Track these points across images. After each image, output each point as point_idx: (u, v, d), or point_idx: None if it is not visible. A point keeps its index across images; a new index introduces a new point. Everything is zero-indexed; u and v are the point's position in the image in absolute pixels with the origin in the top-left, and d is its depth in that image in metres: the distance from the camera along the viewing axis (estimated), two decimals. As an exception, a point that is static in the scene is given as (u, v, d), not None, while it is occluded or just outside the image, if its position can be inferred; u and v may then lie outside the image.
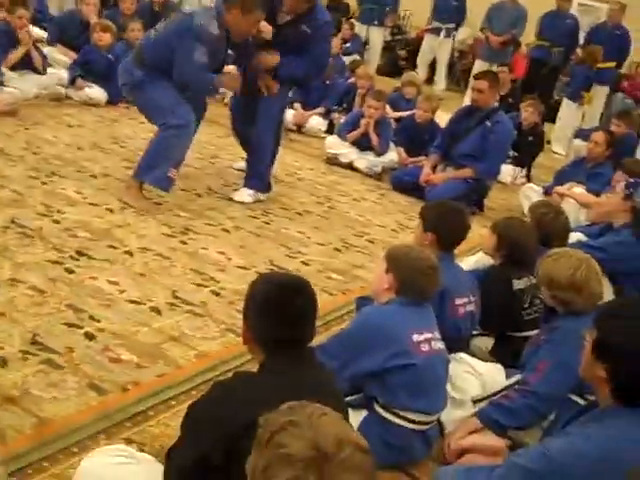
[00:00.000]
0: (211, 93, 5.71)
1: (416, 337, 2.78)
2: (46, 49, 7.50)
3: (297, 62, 5.06)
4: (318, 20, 5.05)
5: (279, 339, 2.11)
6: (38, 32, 7.94)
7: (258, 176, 5.39)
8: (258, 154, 5.38)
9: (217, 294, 3.84)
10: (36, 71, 6.87)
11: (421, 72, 11.51)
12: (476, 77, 6.32)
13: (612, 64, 9.52)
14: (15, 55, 6.69)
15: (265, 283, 2.22)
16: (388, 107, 7.37)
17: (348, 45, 10.87)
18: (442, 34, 11.27)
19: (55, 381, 2.85)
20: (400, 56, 13.08)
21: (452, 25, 11.29)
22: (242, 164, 5.71)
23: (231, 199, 5.27)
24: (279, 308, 2.12)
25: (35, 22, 7.79)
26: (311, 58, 5.08)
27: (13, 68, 6.69)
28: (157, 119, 4.85)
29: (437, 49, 11.51)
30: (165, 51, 4.64)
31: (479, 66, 10.62)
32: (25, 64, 6.81)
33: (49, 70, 7.06)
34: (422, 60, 11.67)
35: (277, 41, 5.01)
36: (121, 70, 4.93)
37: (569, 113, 9.42)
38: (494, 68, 10.36)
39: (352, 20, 12.25)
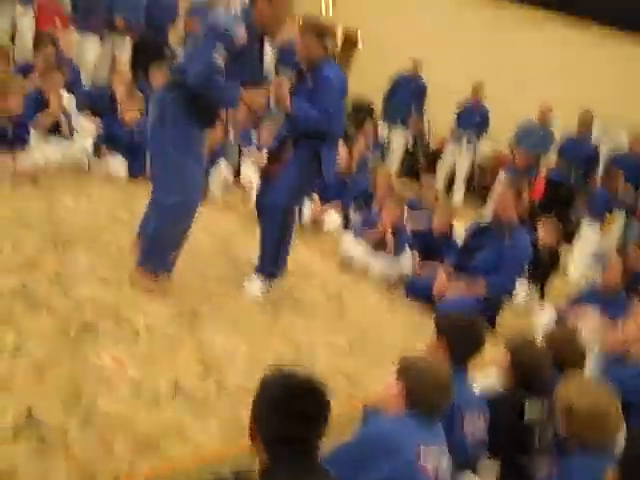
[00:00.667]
0: (229, 105, 5.20)
1: (424, 451, 2.68)
2: (74, 116, 7.58)
3: (309, 108, 4.99)
4: (322, 73, 4.99)
5: (286, 439, 2.02)
6: (68, 98, 8.04)
7: (267, 259, 5.25)
8: (266, 232, 5.24)
9: (220, 386, 3.73)
10: (62, 136, 6.93)
11: (440, 180, 11.61)
12: (500, 190, 6.34)
13: (630, 189, 9.57)
14: (44, 119, 6.75)
15: (276, 380, 2.15)
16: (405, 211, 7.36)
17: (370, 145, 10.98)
18: (464, 144, 11.41)
19: (45, 464, 2.72)
20: (420, 162, 13.21)
21: (474, 136, 11.44)
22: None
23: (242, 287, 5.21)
24: (289, 407, 2.04)
25: (67, 89, 7.88)
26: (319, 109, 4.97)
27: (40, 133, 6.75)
28: (158, 186, 4.64)
29: (458, 158, 11.62)
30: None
31: (503, 178, 10.68)
32: (52, 128, 6.87)
33: (75, 137, 7.11)
34: (442, 168, 11.78)
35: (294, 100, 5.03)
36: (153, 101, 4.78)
37: (588, 235, 9.40)
38: (519, 186, 10.51)
39: (375, 120, 12.42)
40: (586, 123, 10.32)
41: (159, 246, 4.63)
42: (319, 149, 5.06)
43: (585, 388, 2.87)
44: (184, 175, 4.53)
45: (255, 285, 5.22)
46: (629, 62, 12.54)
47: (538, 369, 3.54)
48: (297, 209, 5.43)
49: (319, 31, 5.06)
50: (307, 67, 5.08)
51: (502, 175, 10.64)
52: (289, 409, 2.05)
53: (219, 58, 4.41)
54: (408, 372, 2.82)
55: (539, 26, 13.68)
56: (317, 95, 4.95)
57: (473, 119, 11.34)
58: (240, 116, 8.28)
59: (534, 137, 10.44)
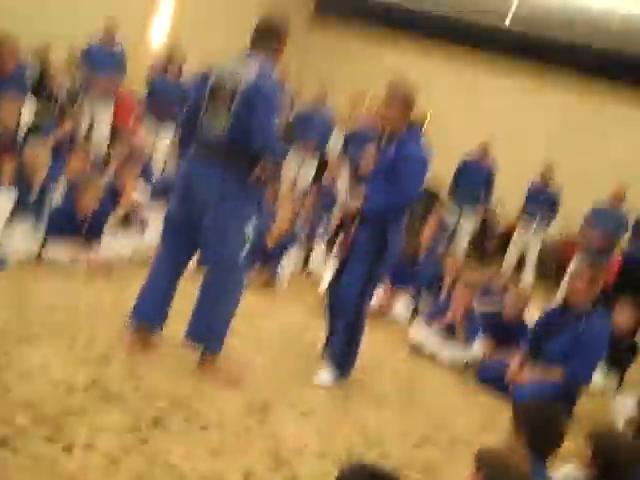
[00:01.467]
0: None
1: None
2: (147, 209, 7.78)
3: (379, 197, 4.98)
4: (405, 143, 4.95)
5: None
6: (142, 190, 8.27)
7: (337, 354, 5.22)
8: (337, 326, 5.25)
9: (293, 479, 3.66)
10: (134, 231, 7.12)
11: (510, 263, 11.47)
12: (574, 276, 6.21)
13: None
14: (117, 214, 6.95)
15: (355, 474, 2.15)
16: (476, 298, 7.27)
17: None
18: (534, 228, 11.30)
19: None
20: (488, 246, 13.11)
21: (545, 219, 11.33)
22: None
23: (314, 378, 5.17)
24: None
25: (142, 178, 8.10)
26: (394, 189, 4.91)
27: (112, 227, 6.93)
28: (228, 251, 4.59)
29: (527, 243, 11.50)
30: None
31: (578, 261, 10.50)
32: (124, 223, 7.06)
33: (146, 231, 7.28)
34: (511, 253, 11.65)
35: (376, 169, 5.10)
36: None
37: None
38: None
39: (442, 205, 12.41)
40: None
41: (227, 321, 4.67)
42: (387, 229, 5.03)
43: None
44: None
45: (327, 376, 5.18)
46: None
47: (624, 463, 3.40)
48: (369, 300, 5.39)
49: (408, 98, 5.03)
50: (388, 137, 5.07)
51: (578, 258, 10.47)
52: None
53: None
54: (486, 465, 2.74)
55: (617, 107, 13.64)
56: (398, 165, 4.91)
57: (543, 202, 11.25)
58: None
59: (608, 219, 10.29)
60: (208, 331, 4.62)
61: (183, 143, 4.89)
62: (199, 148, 4.60)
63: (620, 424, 5.74)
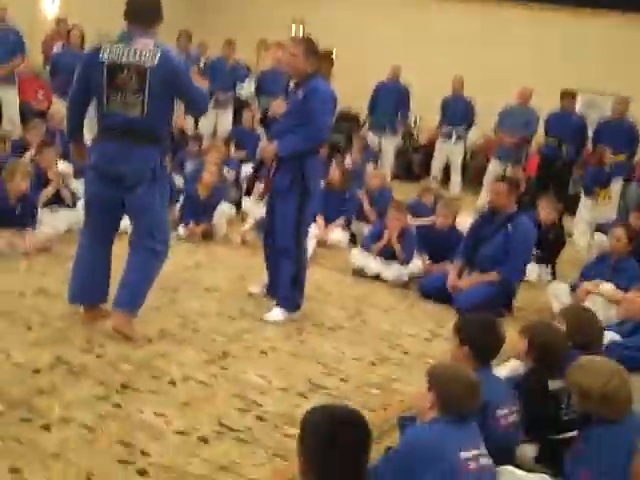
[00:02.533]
0: None
1: (464, 455, 2.83)
2: (73, 183, 7.79)
3: (293, 137, 5.19)
4: (312, 86, 5.18)
5: (336, 468, 2.19)
6: (66, 167, 8.25)
7: (286, 300, 5.47)
8: (278, 270, 5.49)
9: (261, 419, 3.90)
10: (66, 205, 7.15)
11: (435, 173, 11.76)
12: (496, 181, 6.50)
13: (622, 156, 9.71)
14: (46, 194, 6.97)
15: (320, 416, 2.33)
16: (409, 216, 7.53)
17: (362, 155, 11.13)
18: (453, 138, 11.58)
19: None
20: (414, 160, 13.41)
21: (462, 128, 11.62)
22: (257, 289, 5.85)
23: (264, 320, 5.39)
24: (336, 438, 2.21)
25: (63, 157, 8.08)
26: (308, 129, 5.15)
27: (44, 204, 6.95)
28: (155, 234, 4.72)
29: (449, 153, 11.79)
30: None
31: (494, 165, 10.91)
32: (55, 200, 7.09)
33: (78, 203, 7.31)
34: (436, 165, 11.93)
35: (285, 113, 5.34)
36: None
37: (586, 209, 9.69)
38: (509, 167, 10.69)
39: (363, 131, 12.63)
40: (569, 98, 10.49)
41: (148, 288, 4.81)
42: (304, 167, 5.24)
43: (592, 371, 3.04)
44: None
45: (276, 313, 5.42)
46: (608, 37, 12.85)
47: (556, 347, 3.70)
48: (306, 236, 5.61)
49: (310, 46, 5.28)
50: (297, 80, 5.31)
51: (493, 164, 10.87)
52: (337, 440, 2.23)
53: None
54: (438, 380, 3.00)
55: (512, 12, 13.95)
56: (308, 107, 5.13)
57: (458, 112, 11.53)
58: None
59: (516, 119, 10.63)
60: (133, 300, 4.70)
61: (73, 128, 4.91)
62: (113, 132, 4.54)
63: (556, 310, 6.13)
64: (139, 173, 4.55)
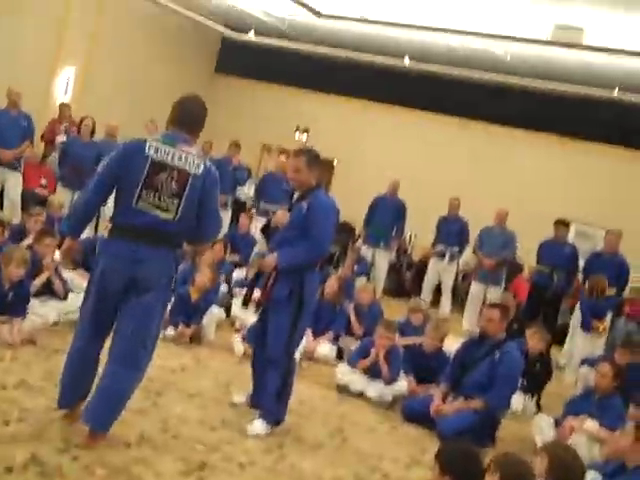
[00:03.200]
0: None
1: None
2: (67, 274, 7.82)
3: (294, 249, 5.24)
4: (314, 200, 5.27)
5: None
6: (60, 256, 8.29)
7: (269, 414, 5.42)
8: (264, 381, 5.45)
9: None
10: (57, 296, 7.15)
11: (426, 296, 11.85)
12: (488, 306, 6.56)
13: (612, 291, 9.81)
14: (38, 282, 6.98)
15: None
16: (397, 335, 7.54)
17: (355, 268, 11.23)
18: (447, 258, 11.72)
19: None
20: (406, 277, 13.51)
21: (456, 249, 11.78)
22: (241, 398, 5.79)
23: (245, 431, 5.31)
24: None
25: (59, 247, 8.13)
26: (309, 242, 5.20)
27: (35, 294, 6.94)
28: (146, 344, 4.52)
29: (442, 273, 11.91)
30: None
31: (475, 288, 11.08)
32: (46, 290, 7.09)
33: (70, 295, 7.32)
34: (427, 284, 12.04)
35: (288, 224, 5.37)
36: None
37: (581, 343, 9.63)
38: (489, 289, 10.81)
39: (357, 243, 12.79)
40: (562, 227, 10.70)
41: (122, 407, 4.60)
42: (303, 280, 5.28)
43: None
44: None
45: (258, 426, 5.34)
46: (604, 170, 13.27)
47: (575, 469, 3.65)
48: (297, 349, 5.64)
49: (313, 158, 5.39)
50: (300, 192, 5.41)
51: (474, 286, 11.00)
52: None
53: None
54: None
55: (510, 140, 14.40)
56: (310, 219, 5.21)
57: (452, 232, 11.72)
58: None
59: (495, 240, 10.83)
60: (108, 419, 4.49)
61: (81, 222, 4.68)
62: (136, 231, 4.36)
63: (539, 443, 6.08)
64: (156, 278, 4.42)
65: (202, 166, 4.46)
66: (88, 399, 4.55)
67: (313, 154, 5.46)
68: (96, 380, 4.60)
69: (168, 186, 4.37)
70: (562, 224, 10.75)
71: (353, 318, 8.27)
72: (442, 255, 11.79)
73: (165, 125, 4.71)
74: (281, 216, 5.46)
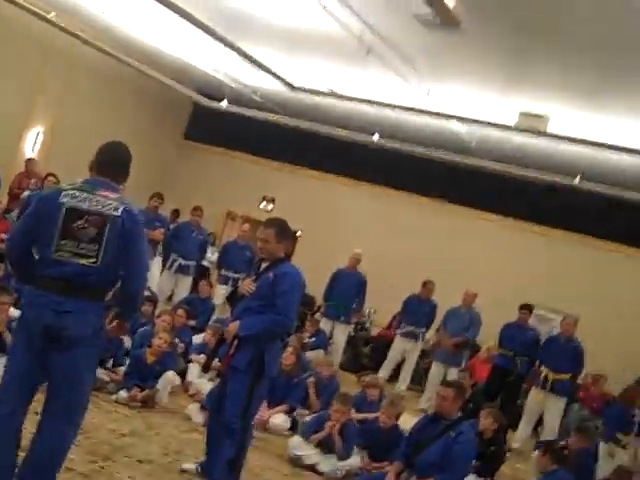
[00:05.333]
0: None
1: None
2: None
3: (258, 318, 5.23)
4: (283, 270, 5.32)
5: None
6: (15, 313, 8.15)
7: (219, 477, 5.30)
8: (217, 450, 5.35)
9: None
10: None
11: (385, 373, 11.81)
12: (444, 385, 6.54)
13: (567, 376, 9.88)
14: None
15: None
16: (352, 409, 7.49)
17: (313, 340, 11.19)
18: (419, 339, 11.78)
19: None
20: (363, 352, 13.46)
21: (423, 329, 11.87)
22: (191, 465, 5.67)
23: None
24: None
25: (15, 304, 8.00)
26: (274, 313, 5.19)
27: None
28: (73, 412, 4.25)
29: (408, 353, 11.93)
30: None
31: (435, 368, 11.11)
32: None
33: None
34: (389, 362, 12.02)
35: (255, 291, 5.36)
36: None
37: (602, 459, 8.52)
38: (449, 370, 10.82)
39: (317, 315, 12.76)
40: (527, 312, 10.84)
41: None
42: (265, 350, 5.26)
43: None
44: None
45: None
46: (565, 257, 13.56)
47: None
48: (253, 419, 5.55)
49: (282, 230, 5.43)
50: (268, 263, 5.41)
51: (434, 367, 11.04)
52: None
53: None
54: None
55: (477, 222, 14.66)
56: (277, 290, 5.23)
57: (423, 315, 11.81)
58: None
59: (459, 320, 10.91)
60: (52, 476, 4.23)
61: (28, 271, 4.29)
62: (57, 281, 4.12)
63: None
64: (80, 330, 4.12)
65: (121, 207, 4.23)
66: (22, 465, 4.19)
67: (283, 226, 5.50)
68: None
69: (86, 232, 4.16)
70: (527, 308, 10.88)
71: (312, 394, 8.13)
72: (413, 336, 11.80)
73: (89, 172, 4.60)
74: (247, 285, 5.45)
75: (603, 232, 13.78)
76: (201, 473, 5.57)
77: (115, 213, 4.22)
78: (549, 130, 11.30)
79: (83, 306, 4.14)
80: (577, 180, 12.95)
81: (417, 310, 11.84)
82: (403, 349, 11.97)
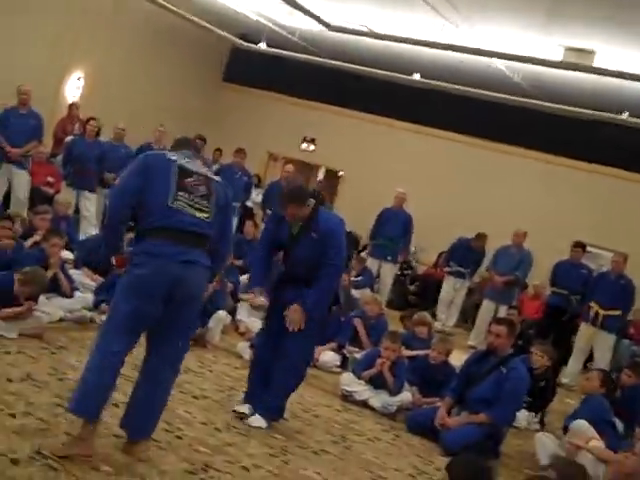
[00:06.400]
0: None
1: None
2: (73, 272, 7.81)
3: (318, 292, 5.32)
4: (320, 226, 5.34)
5: None
6: (66, 254, 8.28)
7: (275, 410, 5.54)
8: (279, 391, 5.53)
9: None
10: (63, 294, 7.13)
11: (441, 313, 11.89)
12: (495, 322, 6.53)
13: (618, 312, 9.79)
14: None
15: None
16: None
17: (359, 279, 11.22)
18: (465, 277, 11.84)
19: None
20: (409, 290, 13.48)
21: (470, 269, 11.89)
22: (245, 407, 5.64)
23: (249, 428, 5.37)
24: None
25: (65, 246, 8.10)
26: (328, 270, 5.30)
27: (41, 291, 6.92)
28: (179, 358, 4.52)
29: (456, 291, 11.98)
30: None
31: (486, 305, 11.06)
32: (53, 287, 7.06)
33: (76, 294, 7.30)
34: (442, 306, 12.16)
35: (296, 252, 5.42)
36: None
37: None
38: (500, 308, 10.78)
39: (363, 254, 12.76)
40: (580, 250, 10.71)
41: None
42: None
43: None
44: None
45: (260, 420, 5.47)
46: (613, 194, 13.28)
47: None
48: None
49: (302, 196, 5.35)
50: (305, 221, 5.38)
51: (485, 304, 10.99)
52: None
53: None
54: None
55: (521, 161, 14.39)
56: (328, 245, 5.30)
57: (470, 257, 11.82)
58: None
59: (510, 259, 10.82)
60: (152, 427, 4.47)
61: (118, 238, 4.41)
62: (176, 232, 4.16)
63: (543, 461, 6.04)
64: (201, 282, 4.30)
65: (216, 178, 4.52)
66: (130, 408, 4.41)
67: (304, 190, 5.44)
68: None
69: (198, 189, 4.27)
70: (580, 246, 10.76)
71: (362, 332, 8.13)
72: (462, 276, 11.88)
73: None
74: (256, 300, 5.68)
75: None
76: (252, 411, 5.61)
77: (216, 178, 4.48)
78: (596, 65, 10.98)
79: (203, 258, 4.25)
80: (625, 115, 12.64)
81: (466, 254, 11.97)
82: (453, 288, 12.07)
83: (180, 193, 4.20)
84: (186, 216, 4.19)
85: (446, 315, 12.06)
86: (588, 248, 12.37)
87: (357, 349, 8.02)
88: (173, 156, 4.35)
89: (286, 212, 5.38)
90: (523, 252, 11.03)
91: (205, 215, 4.26)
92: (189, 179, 4.27)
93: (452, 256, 12.14)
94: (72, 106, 12.89)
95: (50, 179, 10.99)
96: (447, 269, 12.24)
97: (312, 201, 5.38)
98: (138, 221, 4.29)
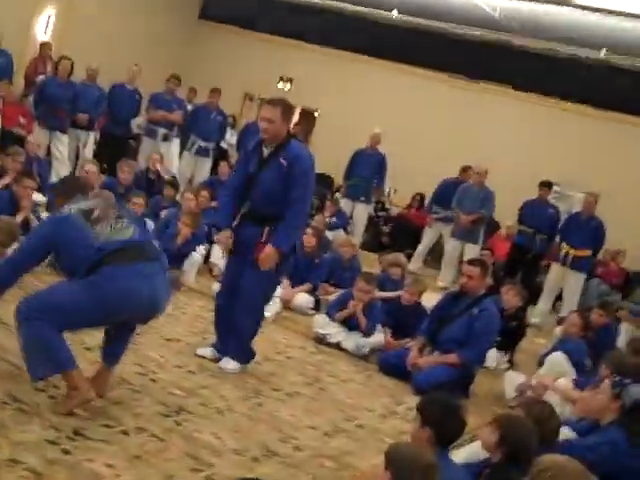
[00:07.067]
0: None
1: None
2: (45, 215, 7.73)
3: (285, 229, 5.31)
4: (291, 152, 5.31)
5: None
6: (39, 197, 8.20)
7: (242, 352, 5.57)
8: (242, 333, 5.55)
9: (213, 479, 3.84)
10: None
11: (418, 260, 11.78)
12: (468, 263, 6.57)
13: (587, 252, 9.91)
14: (17, 220, 6.89)
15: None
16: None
17: (333, 220, 11.23)
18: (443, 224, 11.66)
19: None
20: (383, 232, 13.51)
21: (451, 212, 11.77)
22: (207, 350, 5.70)
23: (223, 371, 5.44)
24: None
25: (37, 188, 8.02)
26: (295, 207, 5.29)
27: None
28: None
29: (444, 235, 11.75)
30: None
31: (452, 245, 11.06)
32: (24, 230, 7.00)
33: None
34: (422, 248, 11.86)
35: (262, 179, 5.36)
36: None
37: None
38: (466, 246, 10.80)
39: (337, 195, 12.76)
40: (546, 189, 10.75)
41: None
42: None
43: (560, 468, 3.01)
44: None
45: (232, 363, 5.52)
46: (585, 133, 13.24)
47: (529, 445, 3.52)
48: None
49: (287, 108, 5.34)
50: (274, 145, 5.34)
51: (451, 243, 11.01)
52: None
53: None
54: (396, 461, 2.98)
55: (496, 98, 14.30)
56: (294, 178, 5.26)
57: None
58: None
59: (473, 198, 10.78)
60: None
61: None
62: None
63: (510, 399, 6.18)
64: None
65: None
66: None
67: (288, 104, 5.42)
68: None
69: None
70: (546, 186, 10.80)
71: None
72: (446, 220, 11.43)
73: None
74: (224, 238, 5.56)
75: (627, 107, 13.41)
76: (218, 355, 5.66)
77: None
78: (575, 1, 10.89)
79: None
80: (602, 53, 12.58)
81: (448, 191, 11.48)
82: (436, 232, 11.83)
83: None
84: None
85: (421, 260, 11.92)
86: (558, 188, 12.44)
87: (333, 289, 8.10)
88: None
89: (265, 116, 5.29)
90: (486, 190, 10.96)
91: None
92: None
93: (438, 199, 11.65)
94: (44, 46, 12.61)
95: (22, 120, 10.82)
96: (434, 215, 11.70)
97: (287, 127, 5.40)
98: None
